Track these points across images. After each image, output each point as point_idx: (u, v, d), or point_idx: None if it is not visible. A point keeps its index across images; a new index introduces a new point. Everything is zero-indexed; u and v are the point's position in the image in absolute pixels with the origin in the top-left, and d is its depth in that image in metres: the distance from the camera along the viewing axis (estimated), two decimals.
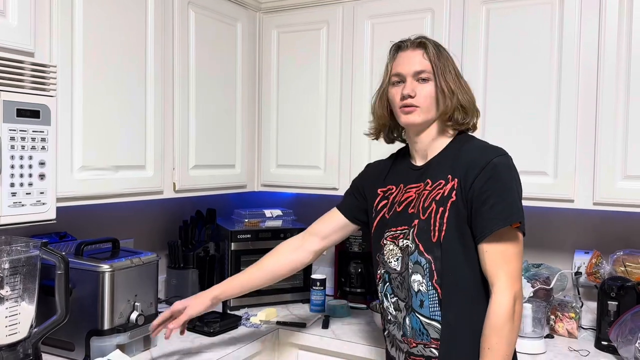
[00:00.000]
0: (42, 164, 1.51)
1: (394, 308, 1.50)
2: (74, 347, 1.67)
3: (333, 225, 1.71)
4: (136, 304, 1.73)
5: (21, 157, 1.46)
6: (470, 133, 1.53)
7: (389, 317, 1.53)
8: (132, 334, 1.71)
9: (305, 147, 2.36)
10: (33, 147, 1.49)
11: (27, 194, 1.47)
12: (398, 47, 1.51)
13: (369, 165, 1.73)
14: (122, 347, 1.67)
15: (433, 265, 1.39)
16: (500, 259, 1.34)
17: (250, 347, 1.91)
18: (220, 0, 2.22)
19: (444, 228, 1.38)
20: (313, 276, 2.29)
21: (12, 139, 1.43)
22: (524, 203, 1.85)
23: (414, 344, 1.45)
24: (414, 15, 2.10)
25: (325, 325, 2.08)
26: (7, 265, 1.40)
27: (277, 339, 2.07)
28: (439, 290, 1.39)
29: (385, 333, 1.57)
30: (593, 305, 2.04)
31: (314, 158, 2.34)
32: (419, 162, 1.53)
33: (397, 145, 1.64)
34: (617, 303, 1.86)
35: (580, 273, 2.08)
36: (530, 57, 1.90)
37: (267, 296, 2.34)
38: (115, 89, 1.77)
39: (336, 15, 2.26)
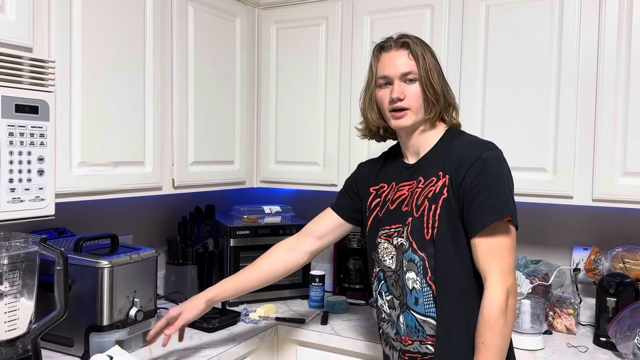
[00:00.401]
0: (40, 159, 1.51)
1: (388, 306, 1.51)
2: (73, 343, 1.67)
3: (328, 225, 1.70)
4: (135, 300, 1.73)
5: (20, 153, 1.46)
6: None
7: (383, 316, 1.53)
8: (132, 330, 1.71)
9: (304, 143, 2.36)
10: (32, 143, 1.48)
11: (26, 189, 1.47)
12: (381, 48, 1.49)
13: (360, 165, 1.73)
14: (121, 343, 1.67)
15: (427, 263, 1.40)
16: (492, 254, 1.34)
17: (249, 343, 1.91)
18: None
19: (436, 225, 1.38)
20: (312, 272, 2.29)
21: (11, 134, 1.43)
22: (523, 199, 1.87)
23: (409, 342, 1.45)
24: (413, 11, 2.09)
25: (324, 321, 2.09)
26: (6, 261, 1.40)
27: (276, 335, 2.08)
28: (433, 287, 1.39)
29: (380, 332, 1.58)
30: (591, 301, 2.04)
31: (313, 154, 2.34)
32: (410, 159, 1.53)
33: (391, 142, 1.65)
34: (615, 299, 1.87)
35: (579, 269, 2.09)
36: (529, 53, 1.90)
37: (266, 292, 2.33)
38: (114, 84, 1.77)
39: (335, 11, 2.26)
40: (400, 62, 1.44)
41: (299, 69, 2.36)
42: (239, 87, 2.35)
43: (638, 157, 1.76)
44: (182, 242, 2.38)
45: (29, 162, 1.48)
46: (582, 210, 2.10)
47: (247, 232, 2.33)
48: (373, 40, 1.55)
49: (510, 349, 1.41)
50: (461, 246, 1.38)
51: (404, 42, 1.45)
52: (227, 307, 2.13)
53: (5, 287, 1.40)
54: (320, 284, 2.27)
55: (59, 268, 1.48)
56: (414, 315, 1.43)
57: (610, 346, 1.82)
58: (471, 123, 1.95)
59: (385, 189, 1.55)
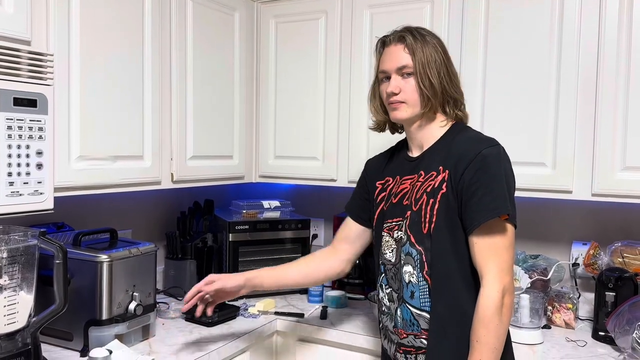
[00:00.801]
0: (39, 153, 1.51)
1: (387, 299, 1.51)
2: (73, 337, 1.67)
3: (353, 232, 1.71)
4: (134, 294, 1.73)
5: (18, 147, 1.45)
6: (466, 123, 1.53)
7: (382, 308, 1.54)
8: (131, 324, 1.72)
9: (303, 138, 2.36)
10: (30, 137, 1.48)
11: (24, 183, 1.47)
12: (383, 43, 1.51)
13: (368, 161, 1.73)
14: (120, 337, 1.67)
15: (424, 257, 1.40)
16: (489, 252, 1.33)
17: (248, 337, 1.91)
18: None
19: (434, 220, 1.38)
20: None
21: (10, 128, 1.42)
22: (523, 194, 1.87)
23: (404, 335, 1.46)
24: (413, 5, 2.09)
25: (324, 316, 2.09)
26: (5, 255, 1.39)
27: (276, 329, 2.08)
28: (429, 282, 1.39)
29: (380, 325, 1.58)
30: (590, 296, 2.05)
31: (312, 149, 2.34)
32: (414, 153, 1.53)
33: (397, 137, 1.64)
34: (614, 294, 1.87)
35: (578, 264, 2.09)
36: (530, 47, 1.89)
37: None
38: (113, 78, 1.76)
39: (335, 5, 2.25)
40: (396, 56, 1.45)
41: (298, 63, 2.35)
42: (237, 81, 2.34)
43: (638, 152, 1.76)
44: (181, 236, 2.38)
45: (27, 155, 1.47)
46: (582, 204, 2.10)
47: (246, 226, 2.33)
48: (376, 36, 1.55)
49: (509, 344, 1.42)
50: (459, 242, 1.37)
51: (401, 35, 1.46)
52: (226, 302, 2.13)
53: (5, 281, 1.40)
54: None
55: (58, 262, 1.48)
56: (410, 309, 1.43)
57: (609, 340, 1.82)
58: (470, 117, 1.92)
59: (390, 182, 1.55)
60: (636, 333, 1.67)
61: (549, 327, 1.99)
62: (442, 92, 1.43)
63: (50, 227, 1.88)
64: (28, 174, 1.48)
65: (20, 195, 1.46)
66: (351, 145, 2.24)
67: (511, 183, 1.38)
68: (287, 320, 2.07)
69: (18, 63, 1.45)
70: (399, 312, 1.46)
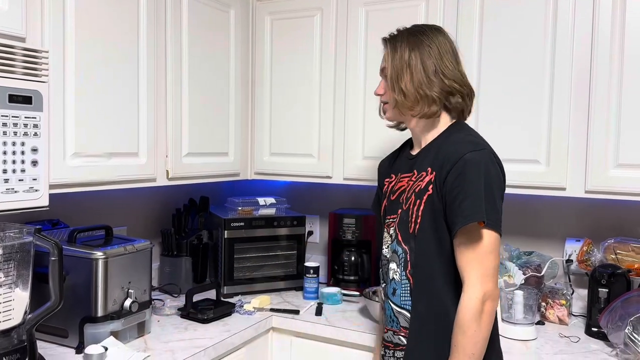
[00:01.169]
0: (34, 150, 1.50)
1: (384, 293, 1.54)
2: (68, 334, 1.67)
3: None
4: (130, 291, 1.73)
5: (13, 143, 1.45)
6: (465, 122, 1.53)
7: (381, 302, 1.57)
8: (126, 321, 1.72)
9: (299, 135, 2.36)
10: (25, 134, 1.47)
11: (19, 180, 1.46)
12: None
13: (380, 162, 1.71)
14: (115, 334, 1.67)
15: (408, 256, 1.41)
16: (471, 257, 1.31)
17: (244, 333, 1.92)
18: None
19: (419, 221, 1.38)
20: (306, 264, 2.30)
21: (4, 124, 1.42)
22: (517, 191, 1.88)
23: (386, 330, 1.50)
24: (408, 3, 2.09)
25: (319, 312, 2.10)
26: (0, 252, 1.39)
27: (271, 326, 2.08)
28: (411, 281, 1.41)
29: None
30: (584, 292, 2.06)
31: (308, 146, 2.34)
32: (415, 151, 1.54)
33: (396, 134, 1.66)
34: (607, 290, 1.89)
35: (572, 261, 2.11)
36: (524, 44, 1.90)
37: (261, 284, 2.35)
38: (108, 74, 1.76)
39: (330, 2, 2.25)
40: (383, 58, 1.50)
41: (293, 60, 2.35)
42: (233, 78, 2.34)
43: (631, 149, 1.77)
44: (177, 233, 2.38)
45: (22, 152, 1.47)
46: (575, 201, 2.12)
47: (242, 223, 2.33)
48: (386, 28, 1.58)
49: (496, 340, 1.42)
50: (443, 244, 1.36)
51: (384, 38, 1.51)
52: (222, 299, 2.14)
53: (0, 278, 1.39)
54: (315, 275, 2.28)
55: (53, 259, 1.48)
56: (391, 305, 1.46)
57: (602, 336, 1.83)
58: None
59: (393, 179, 1.57)
60: (628, 329, 1.68)
61: (543, 323, 2.01)
62: (416, 94, 1.41)
63: (46, 224, 1.88)
64: (23, 170, 1.47)
65: (15, 192, 1.46)
66: (346, 142, 2.25)
67: (494, 188, 1.33)
68: (283, 317, 2.07)
69: (13, 60, 1.44)
70: (386, 307, 1.50)
